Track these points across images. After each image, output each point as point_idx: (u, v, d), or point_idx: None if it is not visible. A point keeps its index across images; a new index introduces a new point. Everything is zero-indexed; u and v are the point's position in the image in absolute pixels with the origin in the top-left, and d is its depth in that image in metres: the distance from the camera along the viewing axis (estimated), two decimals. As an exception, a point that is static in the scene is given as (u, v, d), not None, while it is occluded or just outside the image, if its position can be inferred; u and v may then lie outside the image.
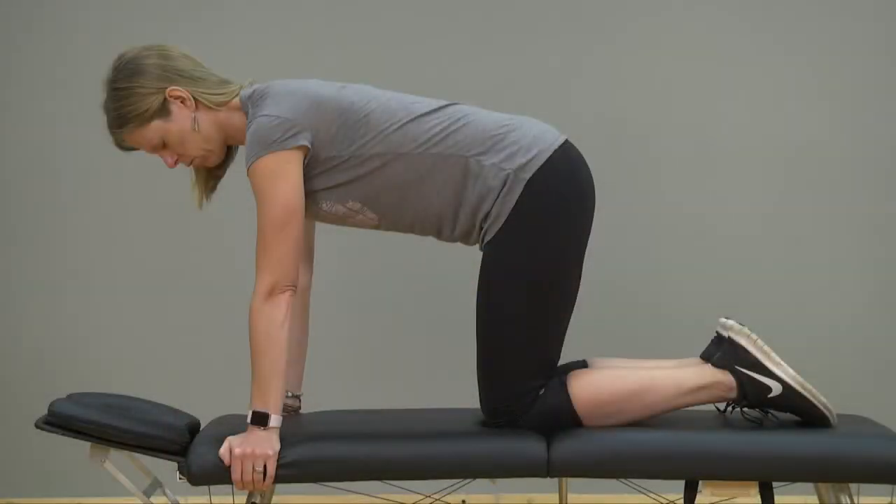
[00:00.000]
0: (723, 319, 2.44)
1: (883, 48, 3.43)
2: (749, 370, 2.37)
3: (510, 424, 2.40)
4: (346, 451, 2.30)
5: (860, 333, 3.45)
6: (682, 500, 2.40)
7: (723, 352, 2.40)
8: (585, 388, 2.39)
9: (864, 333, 3.45)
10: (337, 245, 3.28)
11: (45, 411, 2.31)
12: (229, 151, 2.56)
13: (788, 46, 3.44)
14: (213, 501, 2.68)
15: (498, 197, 2.38)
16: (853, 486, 2.40)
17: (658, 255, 3.46)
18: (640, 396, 2.39)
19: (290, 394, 2.63)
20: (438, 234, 2.49)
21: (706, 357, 2.44)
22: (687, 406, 2.42)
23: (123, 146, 2.51)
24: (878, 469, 2.27)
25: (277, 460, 2.28)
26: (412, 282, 3.47)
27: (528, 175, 2.38)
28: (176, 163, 2.50)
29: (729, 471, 2.29)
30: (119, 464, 2.38)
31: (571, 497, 3.32)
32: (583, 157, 2.47)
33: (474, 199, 2.40)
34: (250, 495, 2.41)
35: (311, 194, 2.43)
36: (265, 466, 2.27)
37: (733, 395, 2.40)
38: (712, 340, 2.45)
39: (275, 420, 2.30)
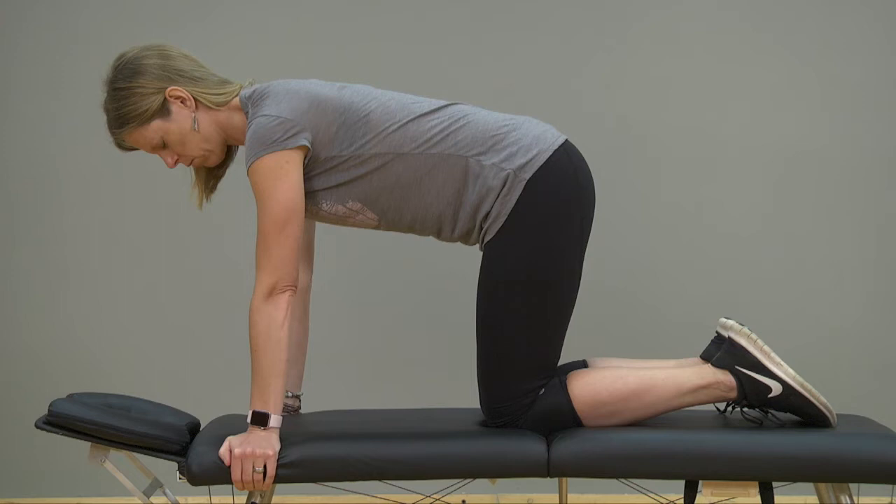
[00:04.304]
0: (723, 319, 2.44)
1: (883, 48, 3.43)
2: (749, 370, 2.37)
3: (510, 424, 2.40)
4: (346, 451, 2.30)
5: (860, 333, 3.45)
6: (682, 500, 2.40)
7: (723, 352, 2.40)
8: (585, 388, 2.39)
9: (864, 333, 3.45)
10: (337, 245, 3.29)
11: (45, 411, 2.31)
12: (229, 151, 2.57)
13: (788, 46, 3.44)
14: (213, 501, 2.69)
15: (498, 197, 2.38)
16: (853, 486, 2.40)
17: (658, 255, 3.46)
18: (640, 396, 2.39)
19: (290, 394, 2.63)
20: (438, 234, 2.49)
21: (706, 357, 2.44)
22: (687, 406, 2.42)
23: (123, 146, 2.51)
24: (878, 469, 2.27)
25: (277, 460, 2.28)
26: (412, 282, 3.47)
27: (528, 175, 2.38)
28: (176, 163, 2.50)
29: (729, 471, 2.28)
30: (119, 464, 2.38)
31: (571, 497, 3.33)
32: (583, 157, 2.47)
33: (474, 199, 2.40)
34: (250, 495, 2.41)
35: (311, 194, 2.43)
36: (265, 466, 2.27)
37: (733, 395, 2.40)
38: (712, 340, 2.45)
39: (275, 420, 2.30)
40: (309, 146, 2.37)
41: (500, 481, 2.46)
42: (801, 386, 2.36)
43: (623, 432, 2.35)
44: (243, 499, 2.50)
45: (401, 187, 2.42)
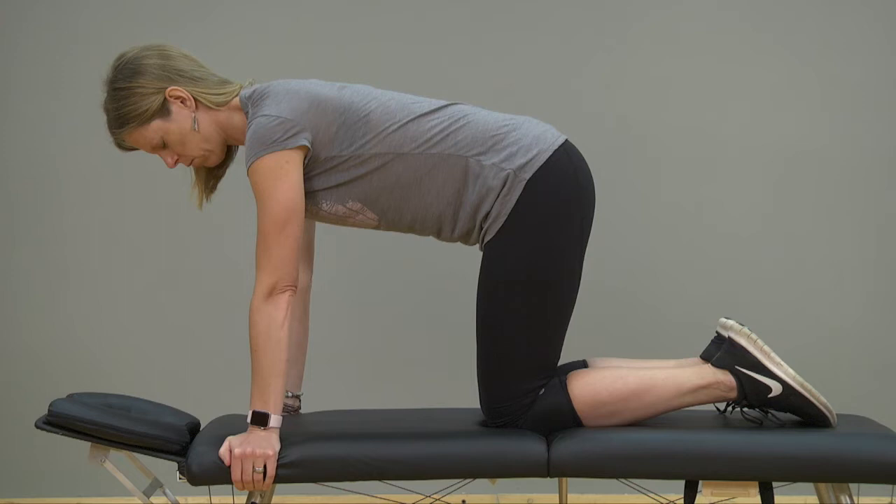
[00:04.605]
0: (723, 319, 2.44)
1: (883, 48, 3.43)
2: (749, 370, 2.37)
3: (510, 424, 2.40)
4: (346, 451, 2.30)
5: (860, 333, 3.45)
6: (682, 500, 2.40)
7: (723, 352, 2.40)
8: (585, 389, 2.39)
9: (864, 333, 3.45)
10: (337, 245, 3.28)
11: (45, 411, 2.31)
12: (229, 151, 2.57)
13: (788, 46, 3.44)
14: (213, 501, 2.69)
15: (498, 197, 2.38)
16: (853, 486, 2.40)
17: (658, 255, 3.46)
18: (639, 396, 2.39)
19: (290, 394, 2.63)
20: (438, 234, 2.49)
21: (706, 357, 2.44)
22: (687, 406, 2.42)
23: (123, 146, 2.51)
24: (878, 469, 2.27)
25: (277, 460, 2.28)
26: (412, 282, 3.47)
27: (528, 175, 2.38)
28: (176, 163, 2.50)
29: (729, 471, 2.28)
30: (119, 464, 2.38)
31: (571, 497, 3.33)
32: (583, 157, 2.47)
33: (474, 199, 2.40)
34: (250, 495, 2.41)
35: (311, 194, 2.43)
36: (265, 466, 2.27)
37: (733, 395, 2.40)
38: (712, 340, 2.45)
39: (275, 420, 2.30)
40: (309, 146, 2.37)
41: (500, 481, 2.46)
42: (801, 386, 2.36)
43: (623, 432, 2.35)
44: (243, 499, 2.50)
45: (401, 187, 2.42)
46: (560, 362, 2.46)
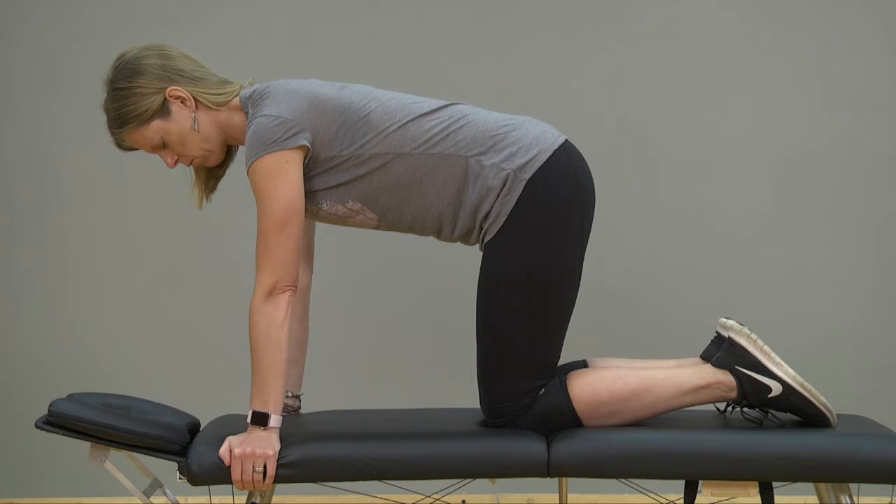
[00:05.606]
0: (723, 319, 2.44)
1: (883, 48, 3.43)
2: (749, 370, 2.37)
3: (510, 424, 2.40)
4: (346, 451, 2.30)
5: (860, 333, 3.45)
6: (682, 500, 2.40)
7: (723, 352, 2.40)
8: (585, 389, 2.39)
9: (864, 333, 3.45)
10: (337, 245, 3.28)
11: (45, 411, 2.31)
12: (229, 151, 2.57)
13: (788, 46, 3.44)
14: (213, 501, 2.69)
15: (498, 197, 2.38)
16: (853, 486, 2.40)
17: (658, 255, 3.46)
18: (639, 396, 2.39)
19: (290, 394, 2.63)
20: (438, 234, 2.49)
21: (706, 357, 2.44)
22: (687, 406, 2.42)
23: (123, 146, 2.51)
24: (878, 469, 2.27)
25: (277, 460, 2.28)
26: (412, 282, 3.47)
27: (528, 175, 2.38)
28: (176, 163, 2.50)
29: (729, 471, 2.28)
30: (119, 464, 2.38)
31: (571, 497, 3.33)
32: (583, 157, 2.47)
33: (474, 199, 2.40)
34: (250, 495, 2.41)
35: (311, 194, 2.43)
36: (265, 466, 2.27)
37: (733, 395, 2.40)
38: (712, 340, 2.45)
39: (275, 420, 2.30)
40: (309, 146, 2.37)
41: (500, 481, 2.46)
42: (801, 386, 2.36)
43: (623, 432, 2.35)
44: (243, 499, 2.50)
45: (401, 187, 2.42)
46: (560, 362, 2.46)
